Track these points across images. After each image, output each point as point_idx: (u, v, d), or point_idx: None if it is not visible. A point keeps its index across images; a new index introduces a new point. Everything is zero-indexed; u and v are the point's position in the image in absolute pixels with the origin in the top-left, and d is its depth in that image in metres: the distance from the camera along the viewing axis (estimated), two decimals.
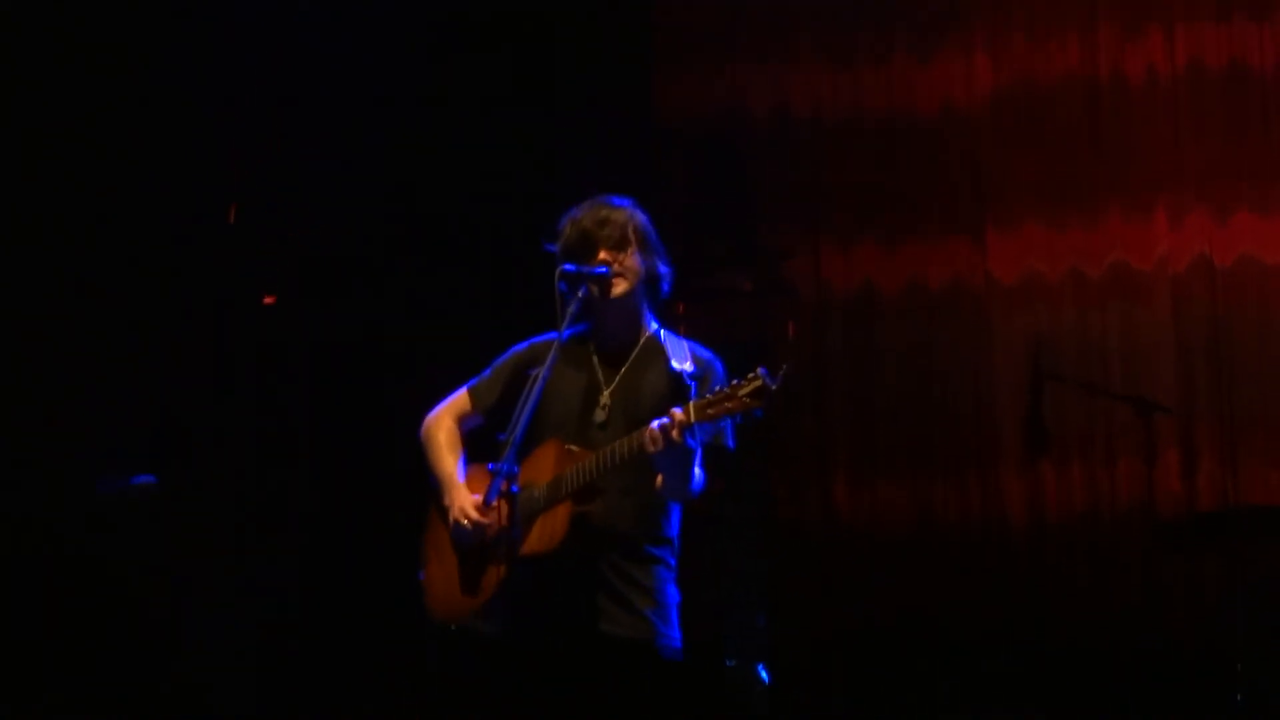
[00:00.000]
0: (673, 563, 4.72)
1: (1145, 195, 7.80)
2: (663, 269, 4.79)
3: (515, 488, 4.37)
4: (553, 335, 4.66)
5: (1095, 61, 7.89)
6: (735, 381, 4.31)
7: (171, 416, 7.47)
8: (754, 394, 4.27)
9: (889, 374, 8.04)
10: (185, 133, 7.55)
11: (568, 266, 4.63)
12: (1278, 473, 7.52)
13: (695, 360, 4.62)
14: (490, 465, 4.54)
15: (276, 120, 7.64)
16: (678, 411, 4.32)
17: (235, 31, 7.61)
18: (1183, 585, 7.49)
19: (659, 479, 4.53)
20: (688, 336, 4.80)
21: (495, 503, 4.43)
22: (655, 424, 4.34)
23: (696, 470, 4.50)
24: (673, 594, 4.70)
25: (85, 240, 7.40)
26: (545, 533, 4.55)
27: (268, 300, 7.66)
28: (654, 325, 4.80)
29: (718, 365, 4.72)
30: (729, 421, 4.49)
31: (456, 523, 4.66)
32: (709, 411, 4.31)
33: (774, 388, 4.25)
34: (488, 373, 4.91)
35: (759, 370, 4.28)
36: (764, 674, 7.16)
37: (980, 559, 7.81)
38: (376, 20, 7.73)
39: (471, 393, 4.91)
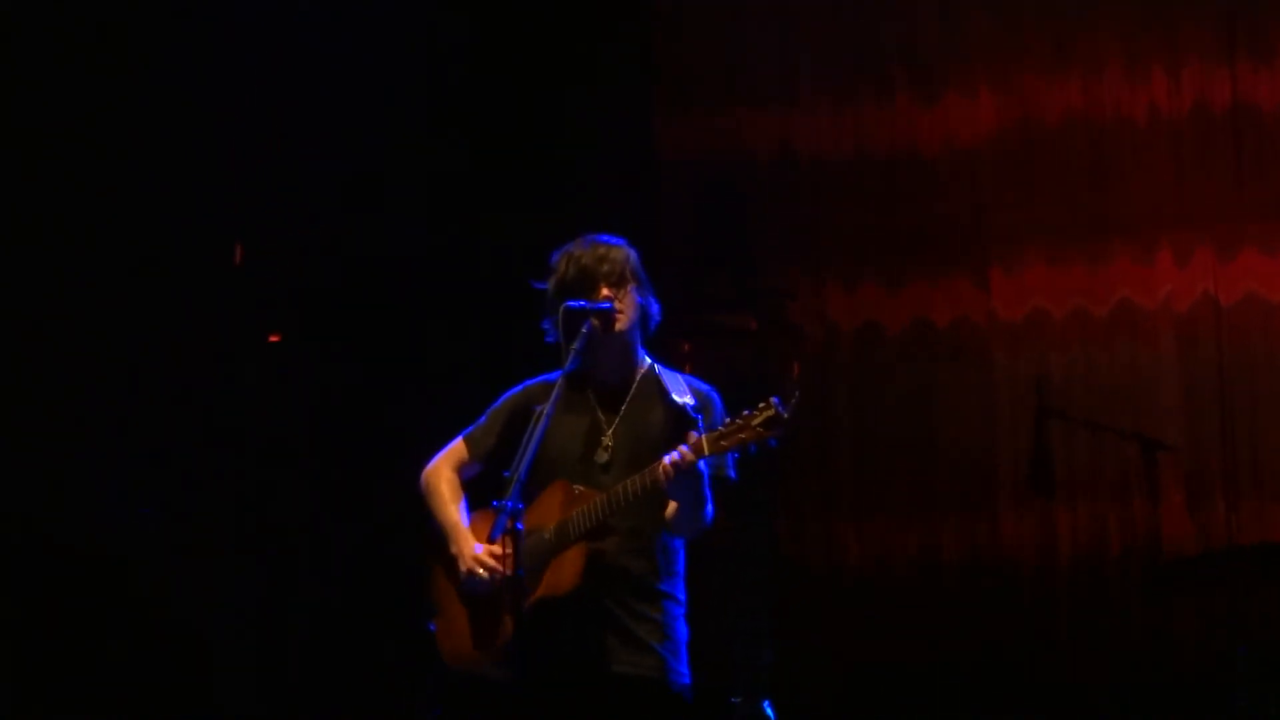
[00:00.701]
0: (682, 599, 4.73)
1: (1150, 234, 7.80)
2: (654, 307, 4.82)
3: (520, 525, 4.38)
4: (546, 377, 4.71)
5: (1099, 101, 7.90)
6: (747, 412, 4.33)
7: (176, 448, 7.51)
8: (767, 423, 4.29)
9: (893, 412, 8.03)
10: (190, 167, 7.59)
11: (572, 303, 4.64)
12: None
13: (694, 393, 4.63)
14: (494, 503, 4.54)
15: (280, 157, 7.67)
16: (691, 441, 4.34)
17: (237, 61, 7.66)
18: (1189, 623, 7.46)
19: (670, 513, 4.54)
20: (688, 374, 4.81)
21: (500, 539, 4.44)
22: (668, 458, 4.36)
23: (708, 504, 4.52)
24: (682, 631, 4.71)
25: (86, 272, 7.45)
26: (557, 577, 4.55)
27: (273, 339, 7.68)
28: (648, 361, 4.81)
29: (716, 398, 4.73)
30: (734, 453, 4.51)
31: (469, 574, 4.66)
32: (723, 443, 4.34)
33: (787, 416, 4.26)
34: (483, 419, 4.90)
35: (772, 400, 4.30)
36: (770, 711, 7.14)
37: (984, 596, 7.79)
38: (379, 61, 7.76)
39: (468, 440, 4.90)
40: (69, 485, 7.36)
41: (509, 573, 4.38)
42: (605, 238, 4.79)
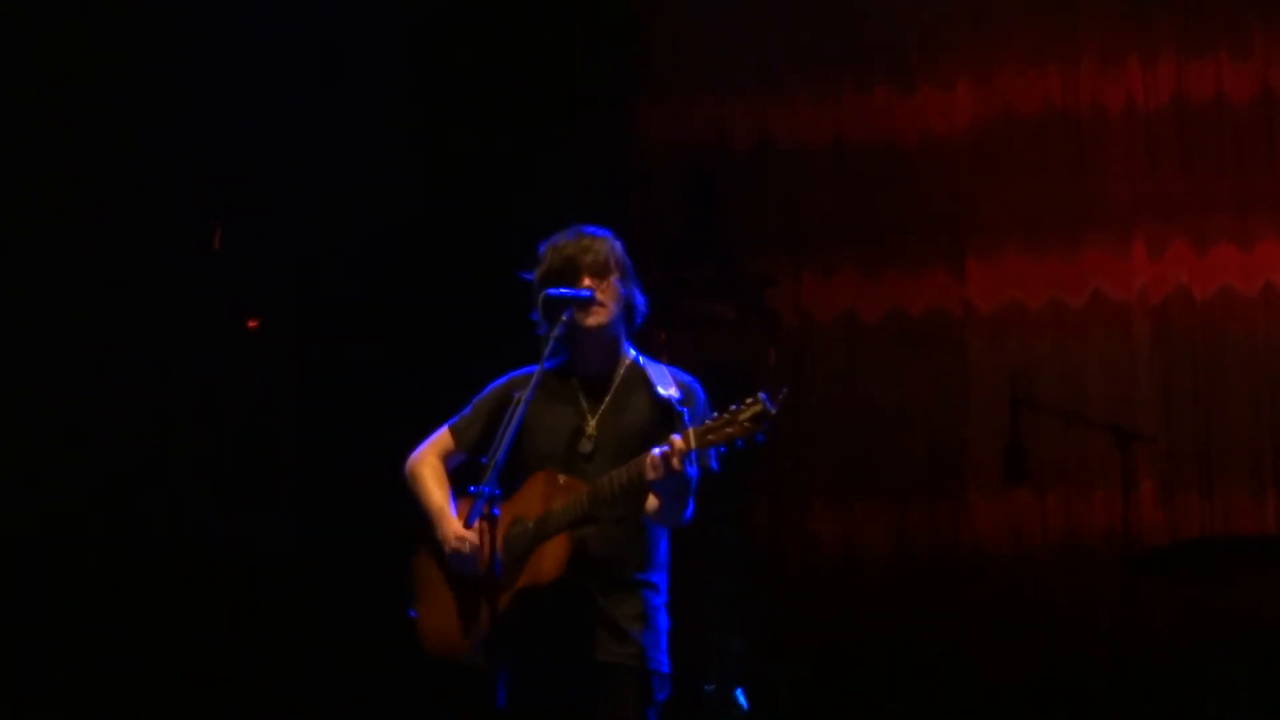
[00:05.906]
0: (663, 589, 4.72)
1: (1125, 226, 7.85)
2: (639, 299, 4.80)
3: (496, 510, 4.38)
4: (532, 368, 4.67)
5: (1076, 92, 7.94)
6: (735, 407, 4.32)
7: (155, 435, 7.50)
8: (754, 418, 4.29)
9: (868, 401, 8.06)
10: (171, 150, 7.56)
11: (552, 291, 4.64)
12: (1255, 502, 7.56)
13: (678, 385, 4.64)
14: (471, 488, 4.54)
15: (263, 144, 7.65)
16: (678, 439, 4.33)
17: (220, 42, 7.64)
18: (1160, 614, 7.49)
19: (651, 504, 4.54)
20: (669, 363, 4.81)
21: (476, 525, 4.44)
22: (656, 451, 4.36)
23: (692, 497, 4.52)
24: (663, 621, 4.70)
25: (61, 258, 7.42)
26: (539, 567, 4.53)
27: (251, 324, 7.67)
28: (632, 352, 4.80)
29: (698, 389, 4.72)
30: (721, 447, 4.51)
31: (454, 551, 4.65)
32: (709, 438, 4.33)
33: (774, 411, 4.27)
34: (468, 409, 4.88)
35: (759, 395, 4.29)
36: (742, 699, 7.17)
37: (957, 586, 7.83)
38: (365, 49, 7.74)
39: (453, 430, 4.88)
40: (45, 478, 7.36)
41: (486, 549, 4.39)
42: (591, 229, 4.77)
